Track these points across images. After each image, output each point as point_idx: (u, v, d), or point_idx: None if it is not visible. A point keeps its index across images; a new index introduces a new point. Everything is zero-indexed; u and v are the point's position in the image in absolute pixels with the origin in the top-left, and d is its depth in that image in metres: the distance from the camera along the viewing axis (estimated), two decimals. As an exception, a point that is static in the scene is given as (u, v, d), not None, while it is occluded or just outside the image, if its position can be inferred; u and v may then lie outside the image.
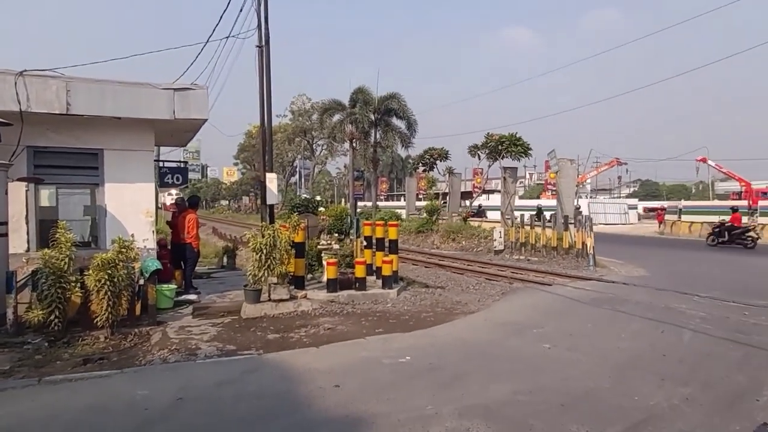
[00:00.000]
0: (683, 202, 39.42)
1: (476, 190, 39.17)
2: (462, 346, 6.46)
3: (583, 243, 15.52)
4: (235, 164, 78.25)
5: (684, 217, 32.46)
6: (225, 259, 16.03)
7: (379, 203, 50.96)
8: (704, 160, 53.46)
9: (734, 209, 22.56)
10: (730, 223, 21.45)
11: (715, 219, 30.33)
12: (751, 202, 31.34)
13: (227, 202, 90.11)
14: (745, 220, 29.25)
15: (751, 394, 4.71)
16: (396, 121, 34.21)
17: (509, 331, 7.17)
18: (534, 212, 20.79)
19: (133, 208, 8.41)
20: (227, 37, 14.63)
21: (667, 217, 34.27)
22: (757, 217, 28.56)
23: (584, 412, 4.33)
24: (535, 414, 4.28)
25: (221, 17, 15.00)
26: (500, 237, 18.48)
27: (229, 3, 14.93)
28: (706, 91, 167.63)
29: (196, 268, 11.31)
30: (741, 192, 48.06)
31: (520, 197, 61.21)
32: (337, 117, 36.39)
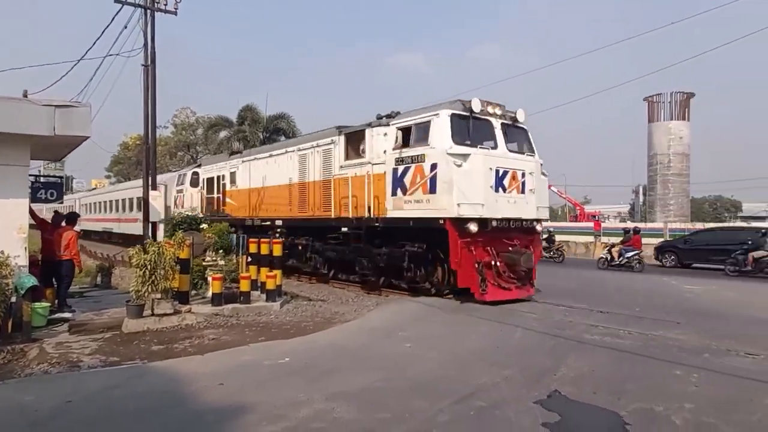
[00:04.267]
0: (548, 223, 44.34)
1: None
2: (335, 348, 7.35)
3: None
4: (108, 176, 72.45)
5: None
6: (99, 278, 15.43)
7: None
8: (549, 187, 61.27)
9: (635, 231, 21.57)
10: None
11: (582, 239, 34.44)
12: (594, 226, 36.15)
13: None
14: (591, 239, 33.95)
15: (551, 372, 6.17)
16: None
17: (378, 335, 8.21)
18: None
19: (4, 224, 8.18)
20: (107, 55, 14.44)
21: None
22: (600, 238, 33.00)
23: (428, 392, 5.43)
24: (390, 395, 5.30)
25: (102, 32, 14.71)
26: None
27: (112, 19, 14.77)
28: (571, 122, 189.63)
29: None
30: (577, 215, 57.01)
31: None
32: (224, 133, 36.07)
